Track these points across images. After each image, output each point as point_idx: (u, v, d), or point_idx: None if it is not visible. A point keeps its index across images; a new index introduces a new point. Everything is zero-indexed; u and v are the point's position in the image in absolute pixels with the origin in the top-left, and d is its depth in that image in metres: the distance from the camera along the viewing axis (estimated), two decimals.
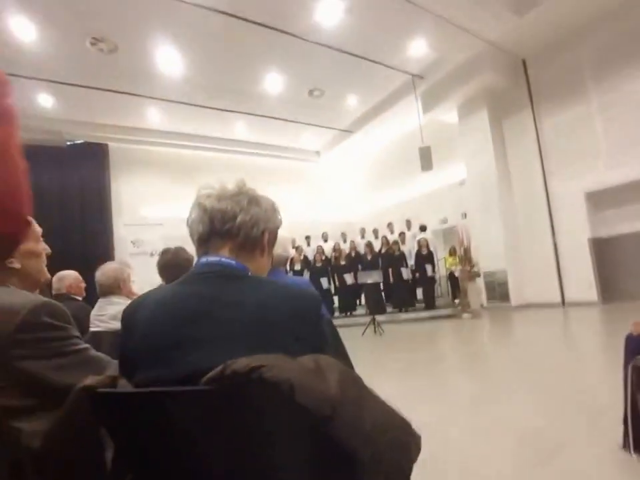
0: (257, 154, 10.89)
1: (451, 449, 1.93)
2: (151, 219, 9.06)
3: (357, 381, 0.55)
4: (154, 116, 8.51)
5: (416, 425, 0.59)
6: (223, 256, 0.71)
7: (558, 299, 6.97)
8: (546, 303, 7.04)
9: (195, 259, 0.80)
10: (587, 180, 6.61)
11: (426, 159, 7.33)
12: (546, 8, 5.83)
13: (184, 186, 10.04)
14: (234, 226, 0.72)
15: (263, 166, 11.30)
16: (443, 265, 8.35)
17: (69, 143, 8.43)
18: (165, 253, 1.79)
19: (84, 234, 8.39)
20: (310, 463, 0.51)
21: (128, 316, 0.67)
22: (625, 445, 1.59)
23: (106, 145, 8.93)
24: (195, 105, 8.04)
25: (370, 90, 8.29)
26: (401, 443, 0.54)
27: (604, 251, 6.57)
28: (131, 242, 8.62)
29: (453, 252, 7.90)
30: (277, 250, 1.52)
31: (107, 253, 8.51)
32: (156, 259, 7.44)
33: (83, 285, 2.57)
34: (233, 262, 0.70)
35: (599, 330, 4.95)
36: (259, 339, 0.59)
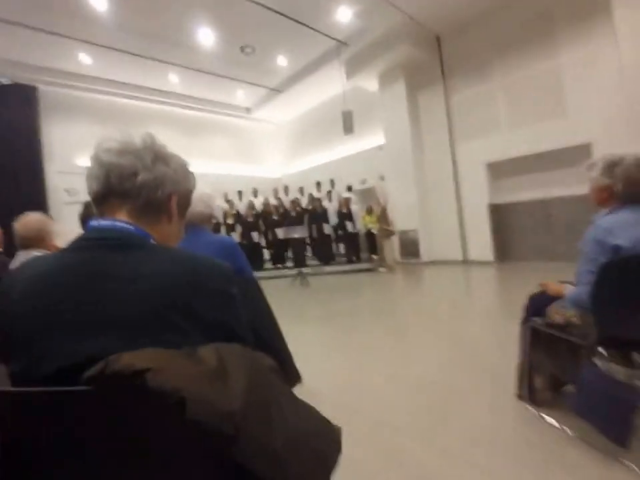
0: (189, 107, 11.24)
1: (361, 396, 2.11)
2: (84, 167, 9.18)
3: (269, 381, 0.51)
4: (86, 60, 8.52)
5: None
6: (119, 220, 0.64)
7: (461, 257, 8.30)
8: (451, 260, 8.39)
9: None
10: (488, 151, 7.71)
11: (348, 123, 8.22)
12: None
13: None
14: (134, 186, 0.65)
15: (195, 119, 11.75)
16: (361, 222, 9.32)
17: None
18: (86, 206, 1.79)
19: (13, 180, 8.25)
20: None
21: (2, 291, 0.59)
22: (519, 395, 1.85)
23: (35, 88, 8.77)
24: (128, 53, 8.16)
25: (298, 52, 8.92)
26: (318, 455, 0.50)
27: (500, 216, 7.79)
28: (65, 190, 8.65)
29: (370, 211, 8.84)
30: (197, 207, 1.60)
31: (39, 202, 8.53)
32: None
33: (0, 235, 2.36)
34: (131, 227, 0.64)
35: (494, 285, 5.92)
36: (151, 321, 0.53)
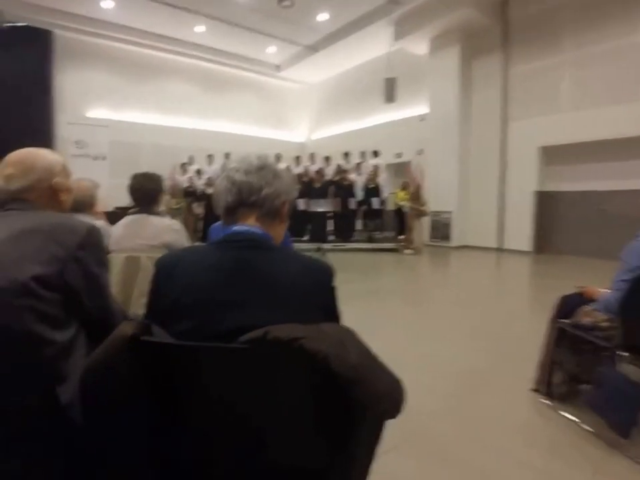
0: (213, 61, 11.40)
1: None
2: (96, 120, 9.52)
3: (367, 349, 0.71)
4: (107, 4, 8.66)
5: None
6: (251, 225, 0.89)
7: (494, 244, 8.48)
8: (484, 247, 8.58)
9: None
10: (544, 133, 7.68)
11: (390, 91, 8.29)
12: None
13: (136, 87, 10.60)
14: (259, 197, 0.90)
15: (219, 74, 11.95)
16: (392, 199, 9.42)
17: (8, 25, 8.42)
18: (134, 177, 2.11)
19: (21, 129, 8.23)
20: (319, 417, 0.68)
21: (165, 269, 0.85)
22: (537, 389, 2.12)
23: (50, 32, 8.97)
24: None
25: (343, 7, 8.85)
26: (396, 396, 0.73)
27: (546, 205, 7.87)
28: (74, 142, 9.01)
29: (404, 187, 8.82)
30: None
31: None
32: (100, 163, 8.71)
33: None
34: (259, 231, 0.89)
35: (527, 277, 6.09)
36: (291, 305, 0.78)
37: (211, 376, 0.70)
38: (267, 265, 0.84)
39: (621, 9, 6.63)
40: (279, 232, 0.98)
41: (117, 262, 1.92)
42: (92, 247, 0.92)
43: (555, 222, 7.84)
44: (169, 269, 0.84)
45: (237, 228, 0.90)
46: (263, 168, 0.94)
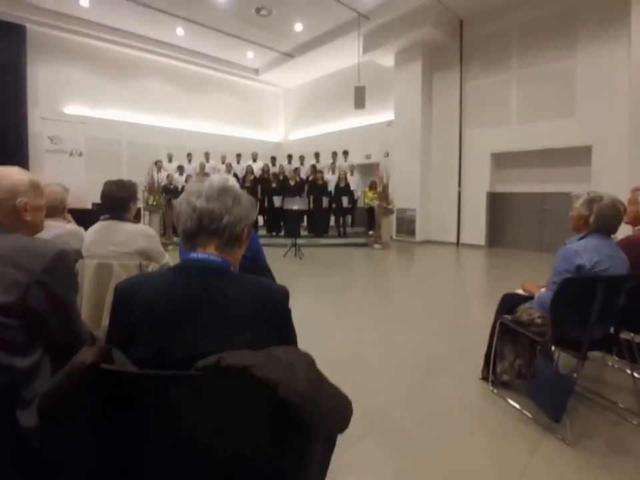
0: (193, 62, 11.06)
1: (346, 362, 2.51)
2: (73, 116, 9.02)
3: (316, 371, 0.69)
4: (84, 3, 8.24)
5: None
6: (211, 254, 0.86)
7: (454, 239, 8.81)
8: (444, 241, 8.91)
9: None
10: (495, 141, 8.07)
11: (360, 98, 8.35)
12: None
13: (115, 85, 10.13)
14: (220, 226, 0.86)
15: (198, 76, 11.61)
16: (362, 198, 9.60)
17: None
18: (106, 184, 2.04)
19: None
20: (273, 437, 0.67)
21: (124, 294, 0.81)
22: (483, 377, 2.26)
23: (24, 27, 8.49)
24: (131, 0, 7.92)
25: (317, 19, 8.88)
26: (343, 414, 0.72)
27: (497, 204, 8.27)
28: (48, 137, 8.43)
29: (373, 187, 8.99)
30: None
31: (19, 148, 8.39)
32: (76, 159, 8.25)
33: None
34: (218, 259, 0.86)
35: (482, 268, 6.41)
36: (244, 330, 0.76)
37: (168, 402, 0.67)
38: (225, 292, 0.81)
39: (561, 35, 7.03)
40: (237, 256, 0.96)
41: (88, 268, 1.84)
42: (59, 272, 0.87)
43: (505, 219, 8.25)
44: (129, 295, 0.81)
45: (196, 255, 0.87)
46: (224, 193, 0.89)
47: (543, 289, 2.01)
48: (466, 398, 2.13)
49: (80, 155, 8.65)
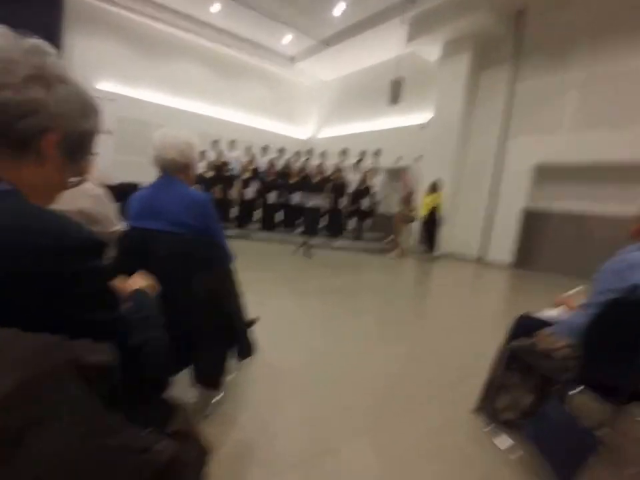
0: (227, 44, 10.96)
1: (321, 375, 2.19)
2: (103, 92, 9.06)
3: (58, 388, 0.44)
4: None
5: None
6: None
7: (477, 255, 8.26)
8: (466, 257, 8.37)
9: None
10: (541, 152, 7.37)
11: (395, 93, 7.93)
12: None
13: (148, 63, 10.16)
14: None
15: (231, 59, 11.49)
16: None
17: None
18: None
19: None
20: None
21: None
22: (477, 409, 1.86)
23: None
24: None
25: (359, 1, 8.41)
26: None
27: (531, 222, 7.61)
28: None
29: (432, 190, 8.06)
30: (169, 154, 1.49)
31: None
32: (105, 138, 8.21)
33: None
34: None
35: (503, 291, 5.83)
36: None
37: None
38: None
39: (633, 34, 6.27)
40: (32, 178, 0.58)
41: None
42: None
43: (538, 239, 7.58)
44: None
45: None
46: (19, 55, 0.54)
47: (580, 311, 1.59)
48: (451, 435, 1.72)
49: (110, 133, 8.73)
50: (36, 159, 0.58)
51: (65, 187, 0.67)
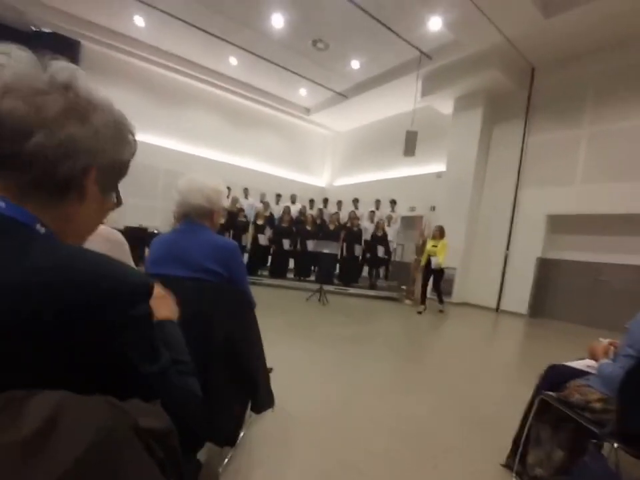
0: (243, 95, 11.34)
1: (339, 429, 2.07)
2: None
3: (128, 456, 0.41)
4: (139, 23, 8.43)
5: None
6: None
7: (493, 305, 8.16)
8: (482, 306, 8.29)
9: None
10: (554, 203, 7.49)
11: (410, 144, 8.13)
12: (574, 16, 6.09)
13: (161, 110, 10.49)
14: (22, 152, 0.46)
15: (247, 110, 11.86)
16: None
17: (34, 29, 8.06)
18: None
19: None
20: None
21: None
22: (507, 465, 1.79)
23: (78, 42, 8.78)
24: (187, 23, 8.02)
25: (375, 57, 8.83)
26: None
27: (546, 271, 7.60)
28: None
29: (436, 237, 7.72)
30: (197, 200, 1.45)
31: None
32: None
33: None
34: (2, 204, 0.48)
35: (520, 340, 5.75)
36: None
37: None
38: None
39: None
40: (74, 217, 0.55)
41: None
42: None
43: (553, 288, 7.58)
44: None
45: None
46: (49, 88, 0.48)
47: (608, 361, 1.53)
48: None
49: None
50: (77, 197, 0.54)
51: (104, 217, 0.63)
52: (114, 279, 0.48)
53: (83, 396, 0.41)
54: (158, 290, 0.79)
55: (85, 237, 0.60)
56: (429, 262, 7.08)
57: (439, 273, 7.08)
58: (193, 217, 1.52)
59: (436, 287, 7.19)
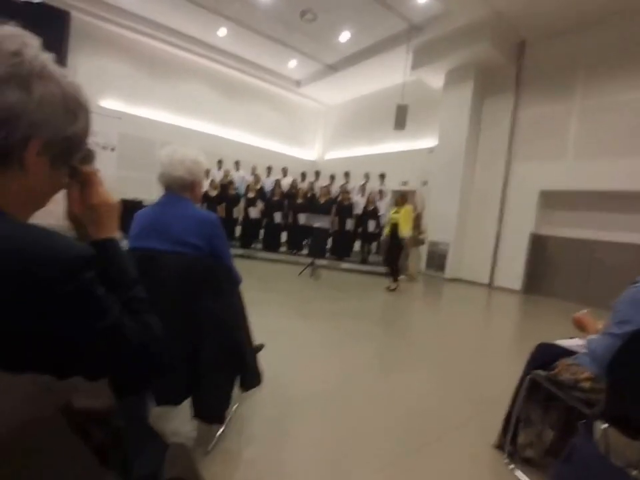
0: (234, 67, 11.18)
1: (334, 408, 2.05)
2: (108, 110, 9.19)
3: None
4: None
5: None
6: None
7: (486, 281, 8.20)
8: (475, 281, 8.32)
9: None
10: (546, 178, 7.44)
11: (400, 118, 8.05)
12: None
13: (153, 82, 10.31)
14: None
15: (238, 82, 11.68)
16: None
17: (23, 0, 7.92)
18: None
19: None
20: None
21: None
22: (498, 446, 1.78)
23: (68, 13, 8.66)
24: None
25: (364, 29, 8.68)
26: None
27: (540, 247, 7.62)
28: None
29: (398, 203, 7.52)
30: (177, 171, 1.46)
31: None
32: (108, 154, 8.51)
33: None
34: None
35: (514, 317, 5.79)
36: None
37: None
38: None
39: (629, 66, 6.41)
40: (23, 188, 0.53)
41: None
42: None
43: (546, 264, 7.57)
44: None
45: None
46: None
47: (596, 336, 1.51)
48: (470, 473, 1.64)
49: (112, 149, 8.89)
50: (18, 169, 0.51)
51: (55, 192, 0.61)
52: (53, 248, 0.48)
53: (6, 374, 0.37)
54: (107, 194, 0.72)
55: (31, 211, 0.57)
56: (394, 233, 6.34)
57: (398, 246, 6.39)
58: (174, 189, 1.51)
59: (394, 260, 6.51)
